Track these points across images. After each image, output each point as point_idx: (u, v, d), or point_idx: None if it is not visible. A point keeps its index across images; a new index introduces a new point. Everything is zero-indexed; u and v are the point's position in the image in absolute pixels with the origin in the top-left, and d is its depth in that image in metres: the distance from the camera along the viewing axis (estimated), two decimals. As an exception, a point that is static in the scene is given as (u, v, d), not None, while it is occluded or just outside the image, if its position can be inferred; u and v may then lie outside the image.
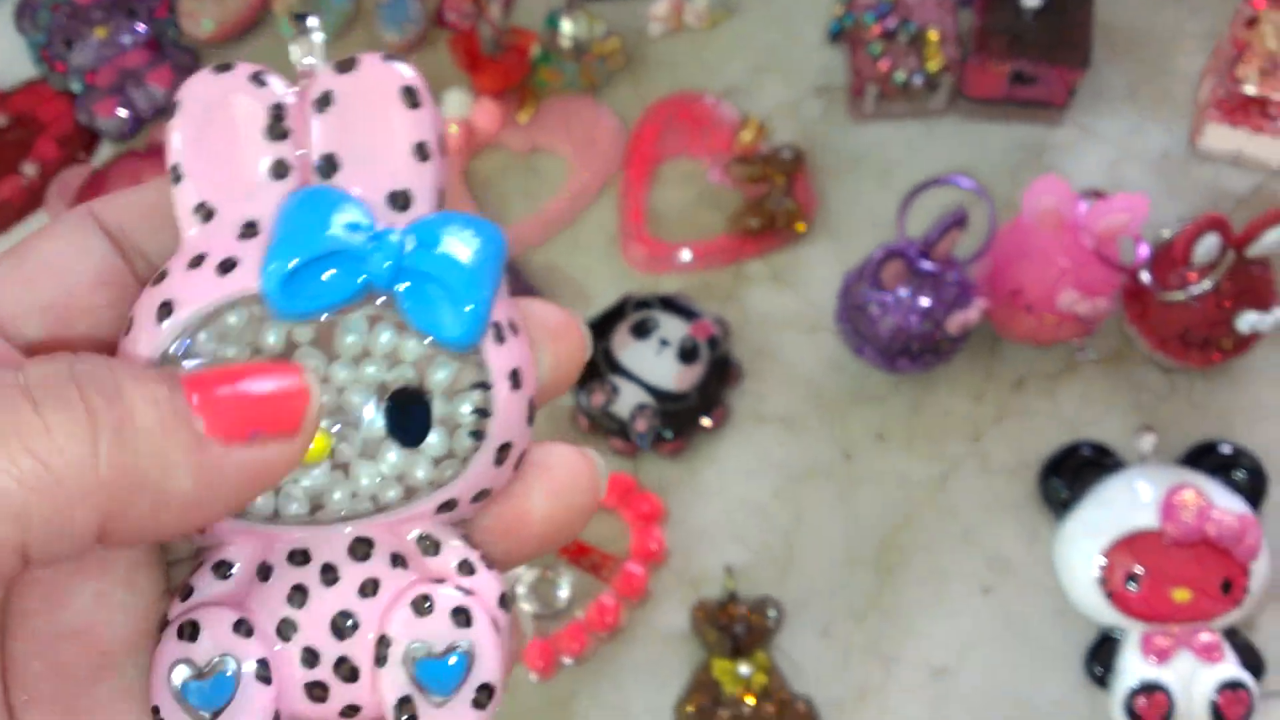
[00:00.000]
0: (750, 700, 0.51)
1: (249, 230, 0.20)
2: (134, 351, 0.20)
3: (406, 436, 0.20)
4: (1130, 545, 0.50)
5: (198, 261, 0.20)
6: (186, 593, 0.21)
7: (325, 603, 0.21)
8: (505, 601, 0.21)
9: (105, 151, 0.66)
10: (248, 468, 0.18)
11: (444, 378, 0.20)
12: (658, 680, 0.53)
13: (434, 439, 0.20)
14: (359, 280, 0.20)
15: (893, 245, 0.49)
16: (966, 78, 0.59)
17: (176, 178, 0.21)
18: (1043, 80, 0.58)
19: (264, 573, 0.21)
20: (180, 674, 0.20)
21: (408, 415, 0.20)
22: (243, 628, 0.20)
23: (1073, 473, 0.53)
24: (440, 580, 0.21)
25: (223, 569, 0.21)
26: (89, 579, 0.20)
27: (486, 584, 0.21)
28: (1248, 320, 0.50)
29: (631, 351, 0.57)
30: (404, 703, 0.20)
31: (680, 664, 0.53)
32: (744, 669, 0.52)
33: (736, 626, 0.52)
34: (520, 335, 0.21)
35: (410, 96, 0.21)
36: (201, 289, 0.20)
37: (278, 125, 0.21)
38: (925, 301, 0.51)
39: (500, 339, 0.21)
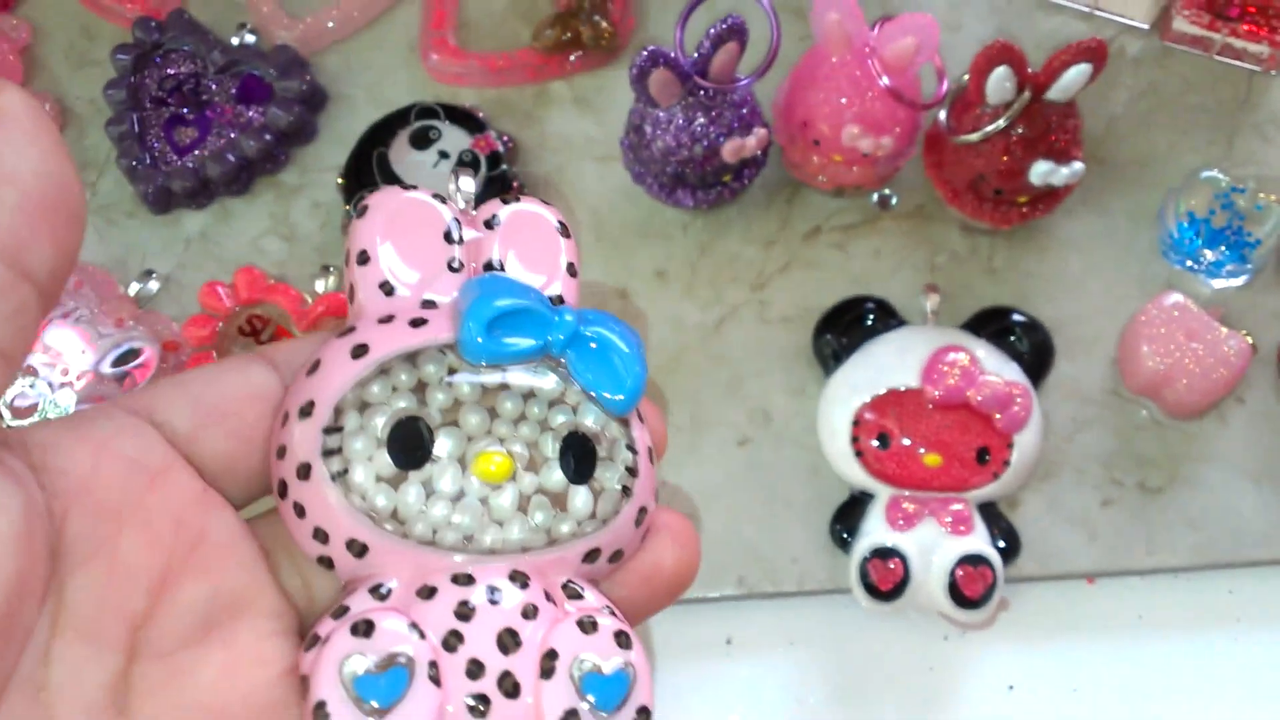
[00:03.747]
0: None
1: (429, 305, 0.23)
2: (325, 386, 0.22)
3: (576, 475, 0.22)
4: (887, 404, 0.46)
5: (388, 319, 0.22)
6: (340, 612, 0.21)
7: (492, 619, 0.21)
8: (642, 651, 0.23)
9: None
10: None
11: (604, 439, 0.23)
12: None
13: (579, 500, 0.22)
14: (544, 338, 0.22)
15: (658, 49, 0.43)
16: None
17: (362, 260, 0.23)
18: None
19: (427, 592, 0.21)
20: (355, 666, 0.20)
21: (578, 461, 0.22)
22: (416, 630, 0.20)
23: (849, 328, 0.48)
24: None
25: (379, 590, 0.21)
26: (214, 652, 0.20)
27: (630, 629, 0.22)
28: (1039, 170, 0.44)
29: (408, 162, 0.52)
30: (570, 715, 0.21)
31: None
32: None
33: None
34: (645, 425, 0.24)
35: (564, 229, 0.24)
36: (396, 336, 0.22)
37: (454, 231, 0.23)
38: (700, 123, 0.45)
39: (640, 420, 0.23)
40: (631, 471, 0.22)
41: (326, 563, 0.22)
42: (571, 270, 0.24)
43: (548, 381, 0.22)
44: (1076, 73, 0.42)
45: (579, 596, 0.22)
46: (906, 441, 0.45)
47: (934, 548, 0.45)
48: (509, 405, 0.22)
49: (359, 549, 0.21)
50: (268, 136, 0.53)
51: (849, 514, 0.47)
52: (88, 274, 0.53)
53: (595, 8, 0.53)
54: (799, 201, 0.52)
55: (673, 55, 0.43)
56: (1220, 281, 0.48)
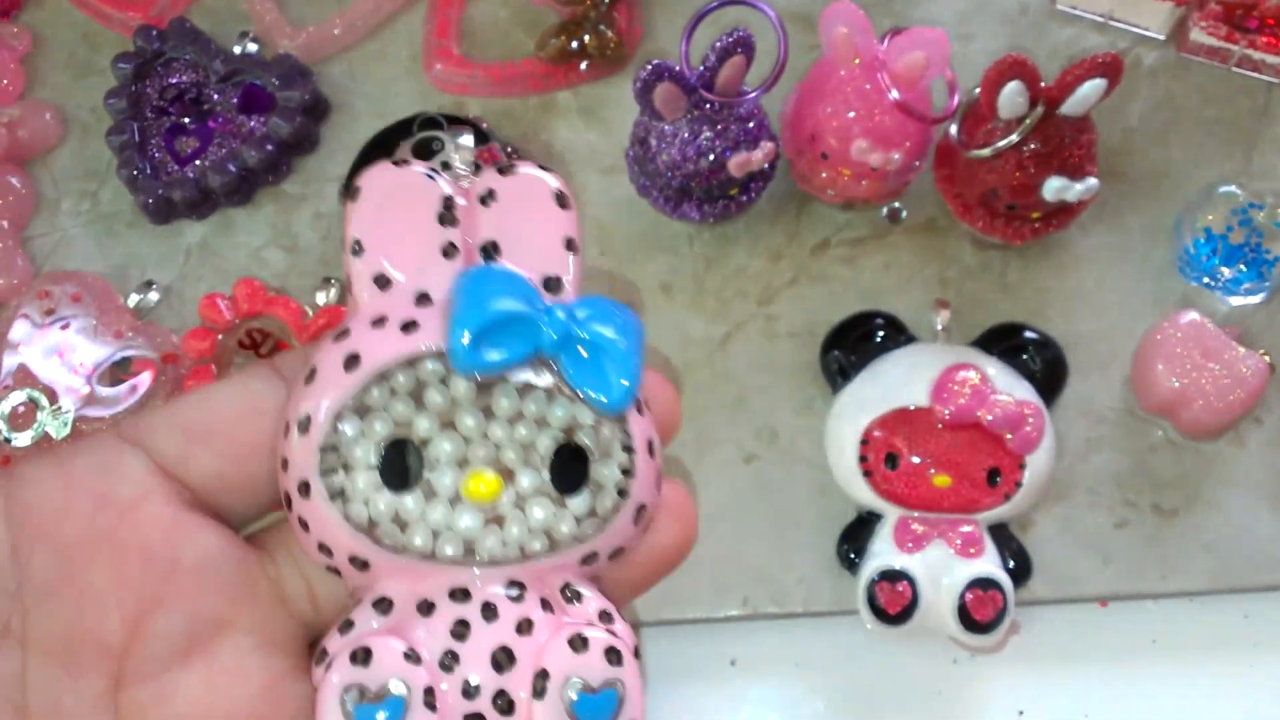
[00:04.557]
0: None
1: (424, 299, 0.22)
2: (319, 397, 0.22)
3: (567, 487, 0.22)
4: (896, 423, 0.45)
5: (380, 322, 0.22)
6: (347, 626, 0.22)
7: (487, 637, 0.22)
8: (637, 652, 0.23)
9: None
10: None
11: (592, 440, 0.22)
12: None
13: (578, 499, 0.22)
14: (534, 343, 0.22)
15: (662, 63, 0.42)
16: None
17: (357, 251, 0.23)
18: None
19: (425, 608, 0.22)
20: (353, 698, 0.21)
21: (568, 469, 0.22)
22: (412, 656, 0.21)
23: (857, 345, 0.47)
24: (587, 625, 0.22)
25: (383, 605, 0.22)
26: (197, 672, 0.21)
27: (625, 634, 0.23)
28: (1052, 186, 0.43)
29: (411, 173, 0.51)
30: None
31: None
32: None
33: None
34: (649, 414, 0.23)
35: (561, 200, 0.23)
36: (387, 344, 0.22)
37: (448, 213, 0.23)
38: (706, 137, 0.45)
39: (639, 411, 0.23)
40: (627, 472, 0.22)
41: (334, 571, 0.22)
42: (570, 245, 0.23)
43: (544, 377, 0.22)
44: (1091, 88, 0.41)
45: (578, 598, 0.23)
46: (916, 461, 0.44)
47: (943, 570, 0.44)
48: (504, 403, 0.22)
49: (360, 564, 0.22)
50: (269, 146, 0.53)
51: (856, 534, 0.46)
52: (87, 284, 0.53)
53: (601, 17, 0.52)
54: (807, 215, 0.51)
55: (677, 69, 0.43)
56: (1238, 299, 0.47)
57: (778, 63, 0.43)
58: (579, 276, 0.23)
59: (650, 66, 0.42)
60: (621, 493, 0.22)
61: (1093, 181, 0.43)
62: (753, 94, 0.44)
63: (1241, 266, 0.47)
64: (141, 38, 0.54)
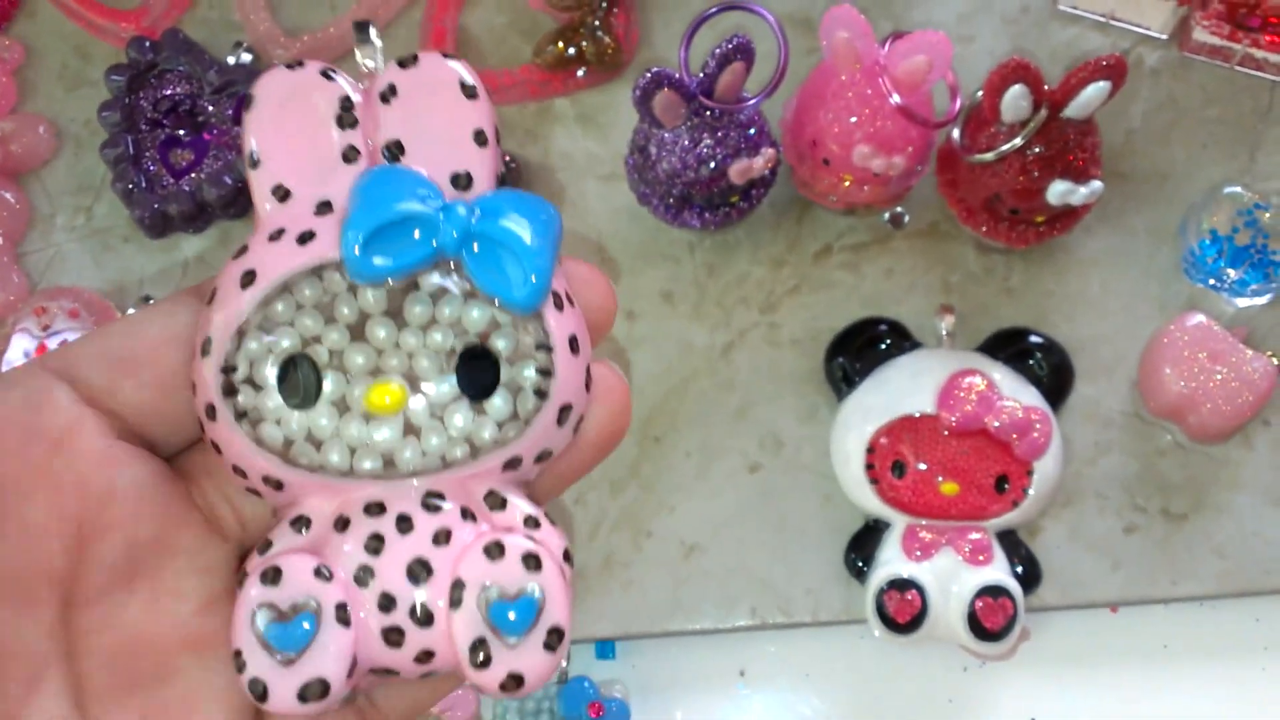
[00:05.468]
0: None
1: (324, 208, 0.21)
2: (217, 320, 0.21)
3: (475, 392, 0.21)
4: (902, 430, 0.44)
5: (278, 235, 0.21)
6: (265, 546, 0.22)
7: (401, 550, 0.21)
8: (568, 555, 0.22)
9: None
10: None
11: (510, 341, 0.21)
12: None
13: (498, 401, 0.21)
14: (431, 244, 0.21)
15: (661, 70, 0.42)
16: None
17: (254, 163, 0.22)
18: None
19: (341, 524, 0.21)
20: (264, 617, 0.21)
21: (476, 374, 0.21)
22: (323, 573, 0.21)
23: (862, 352, 0.47)
24: (509, 531, 0.22)
25: (300, 523, 0.22)
26: (140, 594, 0.21)
27: (551, 537, 0.22)
28: (1057, 190, 0.43)
29: (408, 184, 0.51)
30: (479, 644, 0.21)
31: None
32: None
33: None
34: (575, 307, 0.22)
35: (468, 89, 0.22)
36: (281, 258, 0.21)
37: (347, 115, 0.22)
38: (706, 144, 0.44)
39: (559, 306, 0.22)
40: (546, 373, 0.21)
41: (253, 492, 0.22)
42: (480, 138, 0.22)
43: (437, 303, 0.21)
44: (1095, 90, 0.41)
45: (502, 505, 0.22)
46: (923, 468, 0.44)
47: (952, 578, 0.44)
48: (417, 310, 0.21)
49: (275, 484, 0.22)
50: (265, 158, 0.52)
51: (864, 543, 0.46)
52: (84, 300, 0.52)
53: (598, 23, 0.52)
54: (809, 220, 0.50)
55: (677, 76, 0.42)
56: (1244, 301, 0.47)
57: (778, 68, 0.43)
58: (493, 170, 0.22)
59: (650, 74, 0.42)
60: (540, 393, 0.21)
61: (1097, 184, 0.43)
62: (753, 100, 0.44)
63: (1247, 268, 0.47)
64: (134, 49, 0.54)
